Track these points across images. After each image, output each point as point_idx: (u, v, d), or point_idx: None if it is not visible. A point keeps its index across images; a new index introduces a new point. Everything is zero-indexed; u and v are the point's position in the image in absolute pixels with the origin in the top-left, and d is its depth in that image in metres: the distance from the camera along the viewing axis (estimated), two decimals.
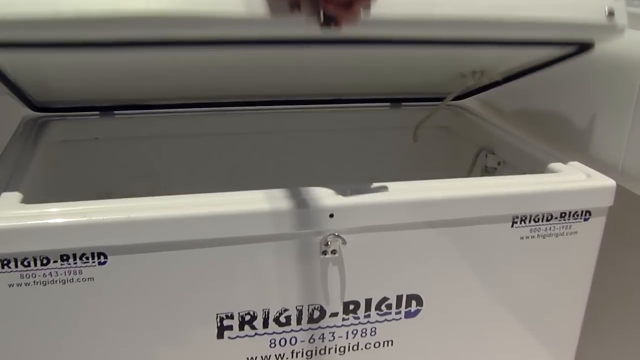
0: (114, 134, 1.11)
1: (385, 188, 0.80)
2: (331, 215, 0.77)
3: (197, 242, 0.75)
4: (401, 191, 0.80)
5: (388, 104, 1.23)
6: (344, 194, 0.78)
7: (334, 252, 0.79)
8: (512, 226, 0.85)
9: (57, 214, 0.71)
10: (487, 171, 1.08)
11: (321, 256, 0.79)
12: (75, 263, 0.72)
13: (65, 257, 0.71)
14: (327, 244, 0.78)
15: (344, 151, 1.24)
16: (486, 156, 1.09)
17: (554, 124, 1.11)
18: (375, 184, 0.81)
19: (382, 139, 1.24)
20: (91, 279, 0.73)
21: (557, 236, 0.87)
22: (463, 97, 1.21)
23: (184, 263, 0.75)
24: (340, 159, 1.23)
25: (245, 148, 1.19)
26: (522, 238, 0.86)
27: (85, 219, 0.71)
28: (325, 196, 0.78)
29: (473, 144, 1.14)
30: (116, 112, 1.10)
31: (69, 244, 0.71)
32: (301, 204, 0.76)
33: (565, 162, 0.93)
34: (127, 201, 0.74)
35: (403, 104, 1.23)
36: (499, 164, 1.07)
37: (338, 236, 0.78)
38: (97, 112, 1.10)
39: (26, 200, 0.75)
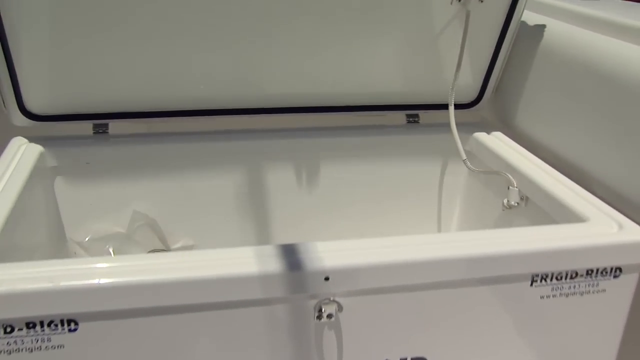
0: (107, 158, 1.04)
1: (386, 245, 0.72)
2: (326, 279, 0.69)
3: (176, 307, 0.68)
4: (405, 249, 0.72)
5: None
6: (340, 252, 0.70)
7: (329, 316, 0.71)
8: (531, 285, 0.76)
9: (20, 279, 0.64)
10: (508, 206, 0.98)
11: (316, 321, 0.71)
12: (43, 330, 0.66)
13: (31, 325, 0.65)
14: (321, 310, 0.70)
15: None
16: (508, 188, 0.99)
17: (588, 155, 1.01)
18: (376, 240, 0.73)
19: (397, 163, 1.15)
20: (61, 346, 0.67)
21: (582, 295, 0.78)
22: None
23: (162, 330, 0.68)
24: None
25: (253, 170, 1.11)
26: (542, 297, 0.77)
27: (52, 284, 0.64)
28: (319, 255, 0.70)
29: (493, 174, 1.04)
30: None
31: (34, 311, 0.64)
32: (293, 265, 0.69)
33: (595, 205, 0.84)
34: (99, 262, 0.67)
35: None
36: (522, 198, 0.97)
37: (334, 301, 0.70)
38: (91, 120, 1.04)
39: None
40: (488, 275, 0.74)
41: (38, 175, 0.97)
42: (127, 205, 1.07)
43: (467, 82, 1.14)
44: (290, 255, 0.70)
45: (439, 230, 1.19)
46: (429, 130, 1.17)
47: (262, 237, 1.13)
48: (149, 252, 1.07)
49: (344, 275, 0.70)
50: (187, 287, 0.66)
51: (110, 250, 1.06)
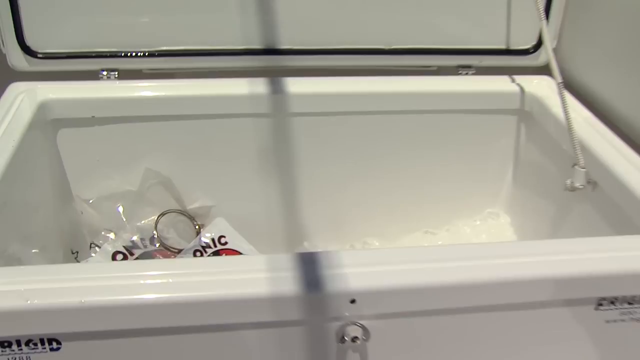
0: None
1: (427, 258, 0.60)
2: (353, 301, 0.58)
3: (175, 329, 0.58)
4: (452, 267, 0.60)
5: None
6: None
7: (354, 339, 0.60)
8: (595, 309, 0.64)
9: None
10: (571, 188, 0.84)
11: (338, 344, 0.61)
12: (21, 349, 0.57)
13: (6, 344, 0.56)
14: (344, 333, 0.60)
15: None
16: (573, 166, 0.84)
17: None
18: (414, 252, 0.61)
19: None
20: None
21: None
22: None
23: (160, 353, 0.59)
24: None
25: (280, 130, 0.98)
26: (608, 322, 0.65)
27: (27, 302, 0.54)
28: (345, 272, 0.58)
29: (555, 146, 0.89)
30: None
31: (8, 331, 0.55)
32: (312, 285, 0.57)
33: None
34: (84, 272, 0.57)
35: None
36: (588, 182, 0.83)
37: (360, 325, 0.59)
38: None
39: None
40: (543, 299, 0.62)
41: (38, 127, 0.87)
42: (138, 161, 0.96)
43: (525, 22, 0.97)
44: (310, 270, 0.58)
45: (483, 200, 1.06)
46: (482, 82, 1.01)
47: (287, 199, 1.02)
48: (163, 213, 0.98)
49: (375, 297, 0.59)
50: (184, 308, 0.56)
51: (120, 210, 0.97)
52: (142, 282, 0.56)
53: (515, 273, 0.60)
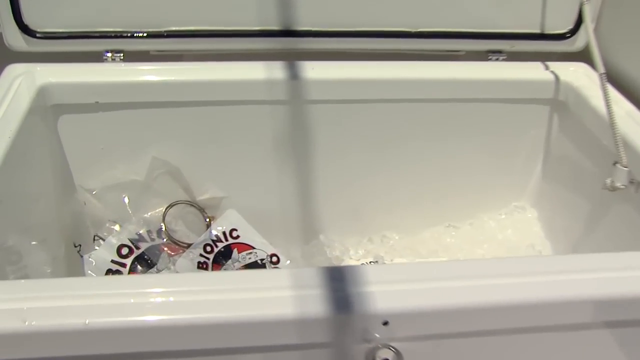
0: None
1: (467, 274, 0.55)
2: (385, 323, 0.52)
3: (187, 352, 0.52)
4: (496, 285, 0.54)
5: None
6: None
7: None
8: None
9: None
10: (611, 188, 0.78)
11: None
12: None
13: None
14: (375, 358, 0.54)
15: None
16: (614, 164, 0.78)
17: None
18: (452, 266, 0.55)
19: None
20: None
21: None
22: None
23: None
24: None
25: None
26: None
27: (25, 324, 0.49)
28: (376, 290, 0.53)
29: (593, 140, 0.83)
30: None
31: (5, 354, 0.50)
32: (341, 306, 0.52)
33: None
34: (88, 287, 0.52)
35: None
36: (631, 182, 0.77)
37: (393, 348, 0.54)
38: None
39: None
40: (588, 321, 0.56)
41: (38, 113, 0.81)
42: (144, 149, 0.90)
43: (561, 3, 0.90)
44: (339, 287, 0.53)
45: (509, 192, 1.01)
46: (513, 69, 0.94)
47: (302, 189, 0.96)
48: (172, 204, 0.92)
49: (410, 319, 0.53)
50: (200, 330, 0.50)
51: (125, 201, 0.91)
52: (153, 300, 0.51)
53: (558, 292, 0.55)
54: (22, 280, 0.56)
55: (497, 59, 0.94)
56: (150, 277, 0.55)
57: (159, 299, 0.51)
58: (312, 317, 0.51)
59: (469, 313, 0.53)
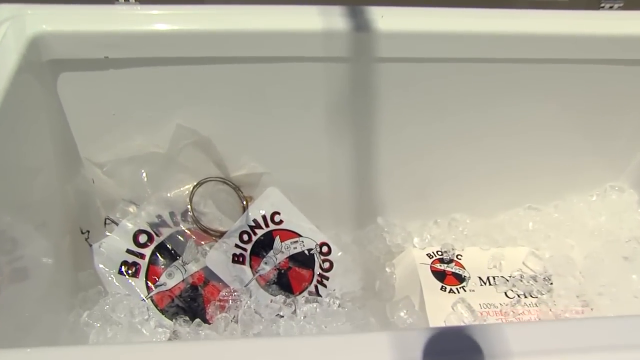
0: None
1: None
2: None
3: None
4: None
5: None
6: None
7: None
8: None
9: None
10: None
11: None
12: None
13: None
14: None
15: None
16: None
17: None
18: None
19: None
20: None
21: None
22: None
23: None
24: None
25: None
26: None
27: None
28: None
29: None
30: None
31: None
32: None
33: None
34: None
35: None
36: None
37: None
38: None
39: None
40: None
41: (31, 70, 0.66)
42: (167, 115, 0.75)
43: None
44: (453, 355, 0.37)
45: (603, 172, 0.85)
46: (630, 20, 0.75)
47: (358, 165, 0.82)
48: (200, 182, 0.76)
49: None
50: None
51: (144, 177, 0.75)
52: None
53: None
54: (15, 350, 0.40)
55: (610, 7, 0.75)
56: (189, 346, 0.39)
57: None
58: None
59: None
